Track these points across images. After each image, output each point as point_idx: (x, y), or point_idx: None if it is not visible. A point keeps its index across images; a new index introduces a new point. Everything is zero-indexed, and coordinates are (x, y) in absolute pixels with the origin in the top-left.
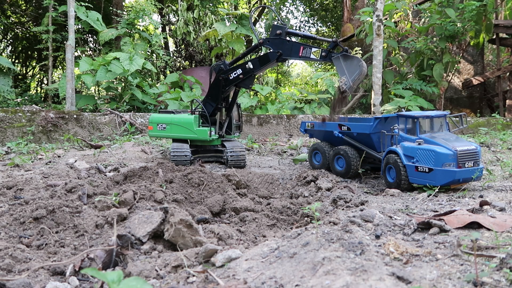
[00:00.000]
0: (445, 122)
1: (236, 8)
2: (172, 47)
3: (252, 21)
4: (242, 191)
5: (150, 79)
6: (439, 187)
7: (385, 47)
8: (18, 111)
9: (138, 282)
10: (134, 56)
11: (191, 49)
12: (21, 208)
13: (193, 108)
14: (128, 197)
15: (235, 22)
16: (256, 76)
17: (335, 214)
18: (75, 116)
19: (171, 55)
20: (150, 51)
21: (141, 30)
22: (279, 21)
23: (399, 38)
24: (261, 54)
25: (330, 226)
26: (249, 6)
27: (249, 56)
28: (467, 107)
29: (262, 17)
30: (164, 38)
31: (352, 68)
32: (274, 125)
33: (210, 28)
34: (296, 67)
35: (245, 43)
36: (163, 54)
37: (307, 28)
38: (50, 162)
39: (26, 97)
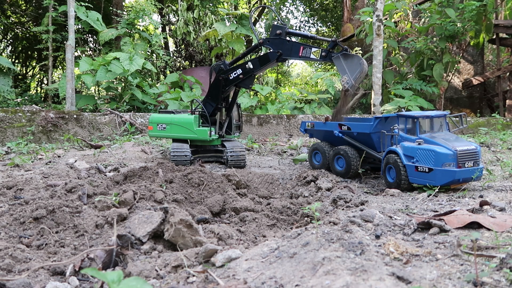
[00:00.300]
0: (445, 122)
1: (236, 8)
2: (172, 47)
3: (252, 21)
4: (242, 191)
5: (150, 79)
6: (439, 187)
7: (385, 47)
8: (18, 111)
9: (138, 282)
10: (134, 56)
11: (191, 49)
12: (21, 208)
13: (193, 108)
14: (128, 197)
15: (235, 22)
16: (256, 76)
17: (335, 214)
18: (75, 116)
19: (171, 55)
20: (150, 51)
21: (141, 30)
22: (279, 21)
23: (399, 38)
24: (261, 54)
25: (330, 226)
26: (249, 6)
27: (249, 56)
28: (467, 107)
29: (262, 17)
30: (164, 38)
31: (353, 67)
32: (274, 125)
33: (210, 28)
34: (296, 67)
35: (245, 43)
36: (163, 54)
37: (307, 28)
38: (50, 162)
39: (26, 97)
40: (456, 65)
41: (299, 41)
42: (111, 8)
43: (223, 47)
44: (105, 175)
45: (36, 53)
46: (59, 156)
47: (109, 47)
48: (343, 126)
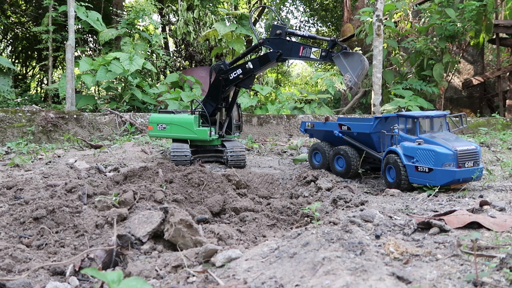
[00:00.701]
0: (445, 122)
1: (236, 8)
2: (172, 47)
3: (252, 21)
4: (242, 191)
5: (150, 79)
6: (439, 187)
7: (385, 47)
8: (18, 111)
9: (138, 282)
10: (134, 56)
11: (191, 49)
12: (21, 208)
13: (193, 108)
14: (128, 197)
15: (235, 22)
16: (256, 76)
17: (335, 214)
18: (75, 116)
19: (171, 55)
20: (150, 51)
21: (141, 30)
22: (279, 21)
23: (399, 38)
24: (261, 54)
25: (330, 226)
26: (249, 6)
27: (249, 56)
28: (467, 107)
29: (262, 17)
30: (164, 38)
31: (354, 64)
32: (274, 125)
33: (210, 28)
34: (296, 67)
35: (245, 43)
36: (163, 54)
37: (307, 28)
38: (50, 162)
39: (26, 97)
40: (456, 65)
41: (299, 41)
42: (111, 8)
43: (223, 47)
44: (105, 175)
45: (36, 53)
46: (59, 156)
47: (109, 47)
48: (343, 126)
